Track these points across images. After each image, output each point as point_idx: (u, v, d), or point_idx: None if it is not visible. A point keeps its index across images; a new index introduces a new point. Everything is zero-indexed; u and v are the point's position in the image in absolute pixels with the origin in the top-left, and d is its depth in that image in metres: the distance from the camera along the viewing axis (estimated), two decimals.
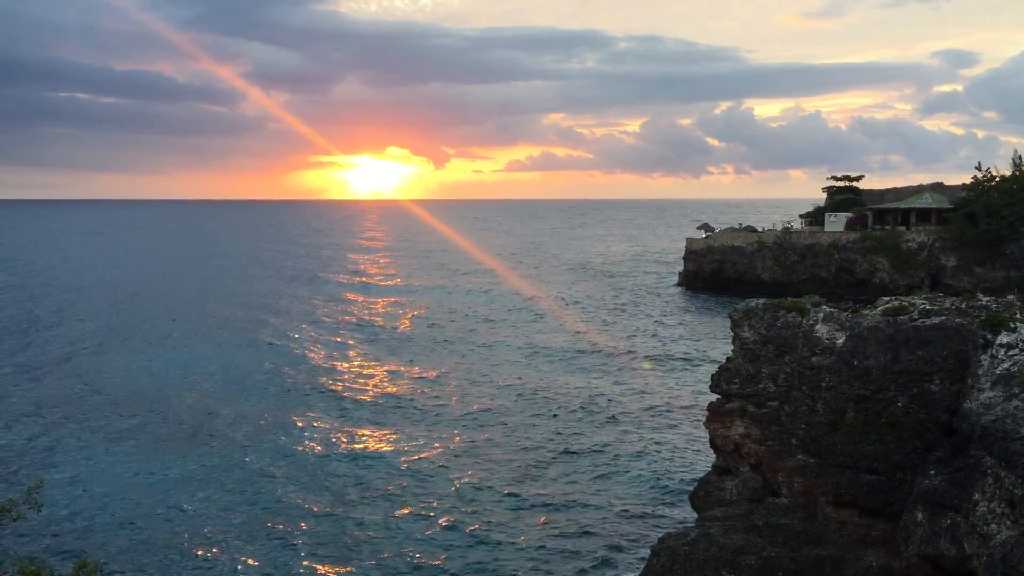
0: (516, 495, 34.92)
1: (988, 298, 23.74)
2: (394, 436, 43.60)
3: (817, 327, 23.80)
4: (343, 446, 42.08)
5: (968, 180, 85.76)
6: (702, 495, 26.37)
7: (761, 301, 26.19)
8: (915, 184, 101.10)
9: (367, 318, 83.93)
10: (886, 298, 25.56)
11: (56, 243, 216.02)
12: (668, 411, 47.25)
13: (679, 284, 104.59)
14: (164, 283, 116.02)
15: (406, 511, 33.47)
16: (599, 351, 64.68)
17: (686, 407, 47.63)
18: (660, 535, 26.34)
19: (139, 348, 67.57)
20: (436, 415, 47.24)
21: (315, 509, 33.88)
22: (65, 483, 36.93)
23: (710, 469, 27.63)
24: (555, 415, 46.77)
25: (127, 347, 68.09)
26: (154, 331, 75.69)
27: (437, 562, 29.07)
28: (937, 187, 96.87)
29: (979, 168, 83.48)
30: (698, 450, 39.52)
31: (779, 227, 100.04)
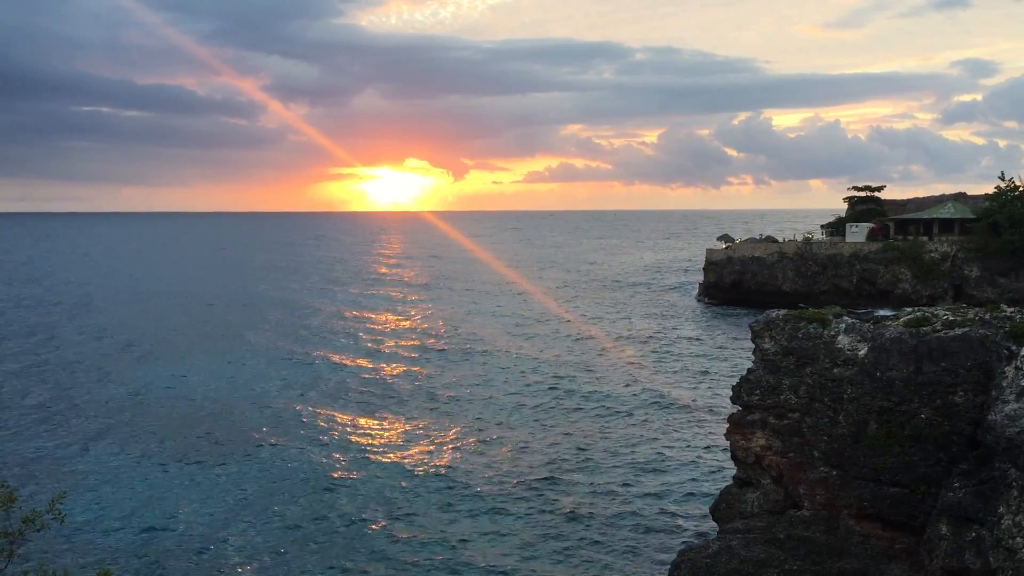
0: (532, 505, 34.83)
1: (1012, 309, 23.52)
2: (411, 440, 43.62)
3: (839, 338, 23.67)
4: (365, 453, 42.12)
5: (991, 190, 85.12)
6: (723, 507, 26.23)
7: (782, 312, 26.09)
8: (937, 194, 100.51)
9: (394, 327, 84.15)
10: (908, 309, 25.39)
11: (91, 255, 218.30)
12: (689, 422, 47.05)
13: (699, 295, 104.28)
14: (199, 294, 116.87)
15: (420, 515, 33.45)
16: (618, 361, 64.54)
17: (707, 419, 47.41)
18: (681, 547, 26.24)
19: (167, 359, 68.02)
20: (455, 422, 47.23)
21: (341, 517, 33.93)
22: (89, 494, 37.18)
23: (731, 481, 27.49)
24: (573, 424, 46.66)
25: (154, 358, 68.57)
26: (182, 342, 76.21)
27: (447, 568, 29.02)
28: (959, 197, 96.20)
29: (1002, 178, 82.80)
30: (719, 462, 39.30)
31: (799, 237, 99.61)
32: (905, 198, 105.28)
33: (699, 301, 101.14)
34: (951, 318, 22.79)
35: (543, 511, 34.37)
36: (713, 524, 28.25)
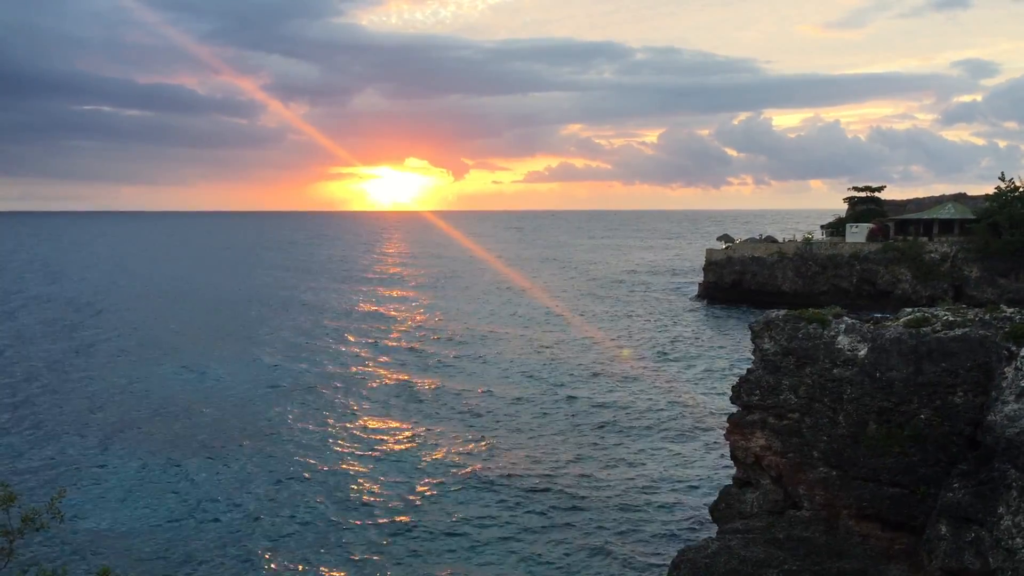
0: (531, 506, 34.82)
1: (1012, 309, 23.50)
2: (410, 443, 43.63)
3: (839, 338, 23.66)
4: (367, 452, 42.13)
5: (990, 190, 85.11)
6: (722, 507, 26.23)
7: (782, 312, 26.08)
8: (937, 194, 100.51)
9: (393, 328, 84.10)
10: (908, 309, 25.37)
11: (91, 253, 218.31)
12: (688, 422, 47.03)
13: (699, 295, 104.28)
14: (198, 293, 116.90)
15: (419, 520, 33.44)
16: (618, 361, 64.53)
17: (706, 419, 47.39)
18: (680, 548, 26.22)
19: (167, 357, 68.00)
20: (452, 423, 47.23)
21: (342, 515, 33.91)
22: (88, 492, 37.17)
23: (730, 481, 27.48)
24: (573, 425, 46.64)
25: (154, 356, 68.55)
26: (182, 341, 76.18)
27: (448, 570, 29.02)
28: (959, 197, 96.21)
29: (1002, 178, 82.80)
30: (718, 462, 39.30)
31: (799, 237, 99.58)
32: (905, 198, 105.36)
33: (699, 301, 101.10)
34: (951, 319, 22.78)
35: (540, 510, 34.36)
36: (713, 524, 28.24)
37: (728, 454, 28.28)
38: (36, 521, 14.77)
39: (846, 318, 24.80)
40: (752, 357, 26.17)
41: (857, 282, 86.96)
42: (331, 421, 48.90)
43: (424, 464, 40.77)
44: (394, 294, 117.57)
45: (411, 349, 72.02)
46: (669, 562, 25.52)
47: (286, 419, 49.27)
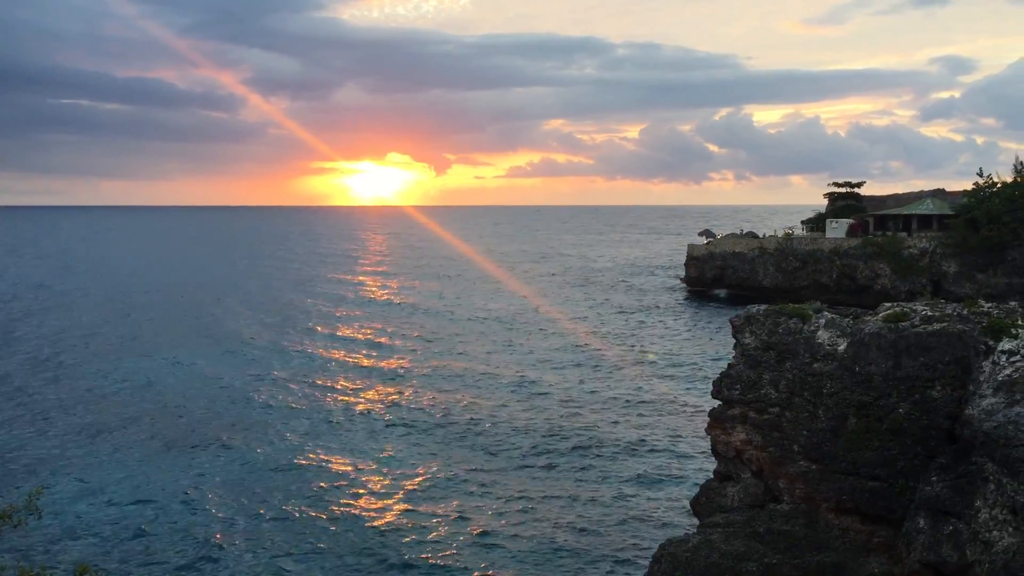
0: (513, 501, 34.84)
1: (990, 304, 23.66)
2: (394, 440, 43.56)
3: (819, 333, 23.78)
4: (346, 452, 42.04)
5: (969, 186, 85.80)
6: (703, 501, 26.31)
7: (762, 307, 26.15)
8: (916, 190, 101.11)
9: (372, 325, 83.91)
10: (887, 304, 25.51)
11: (70, 249, 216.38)
12: (669, 417, 47.18)
13: (680, 290, 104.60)
14: (176, 289, 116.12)
15: (401, 517, 33.40)
16: (599, 357, 64.63)
17: (687, 413, 47.57)
18: (661, 541, 26.31)
19: (146, 353, 67.52)
20: (435, 419, 47.18)
21: (321, 515, 33.81)
22: (67, 489, 36.86)
23: (711, 475, 27.59)
24: (554, 420, 46.68)
25: (134, 352, 68.06)
26: (162, 336, 75.67)
27: (431, 565, 28.99)
28: (938, 193, 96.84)
29: (980, 174, 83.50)
30: (699, 456, 39.46)
31: (780, 232, 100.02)
32: (884, 194, 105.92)
33: (680, 296, 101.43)
34: (929, 313, 22.92)
35: (519, 508, 34.36)
36: (694, 518, 28.35)
37: (709, 448, 28.39)
38: (14, 518, 14.65)
39: (826, 313, 24.92)
40: (733, 352, 26.27)
41: (837, 277, 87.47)
42: (319, 421, 48.73)
43: (402, 460, 40.73)
44: (395, 286, 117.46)
45: (408, 344, 71.94)
46: (650, 555, 25.62)
47: (271, 412, 49.09)
